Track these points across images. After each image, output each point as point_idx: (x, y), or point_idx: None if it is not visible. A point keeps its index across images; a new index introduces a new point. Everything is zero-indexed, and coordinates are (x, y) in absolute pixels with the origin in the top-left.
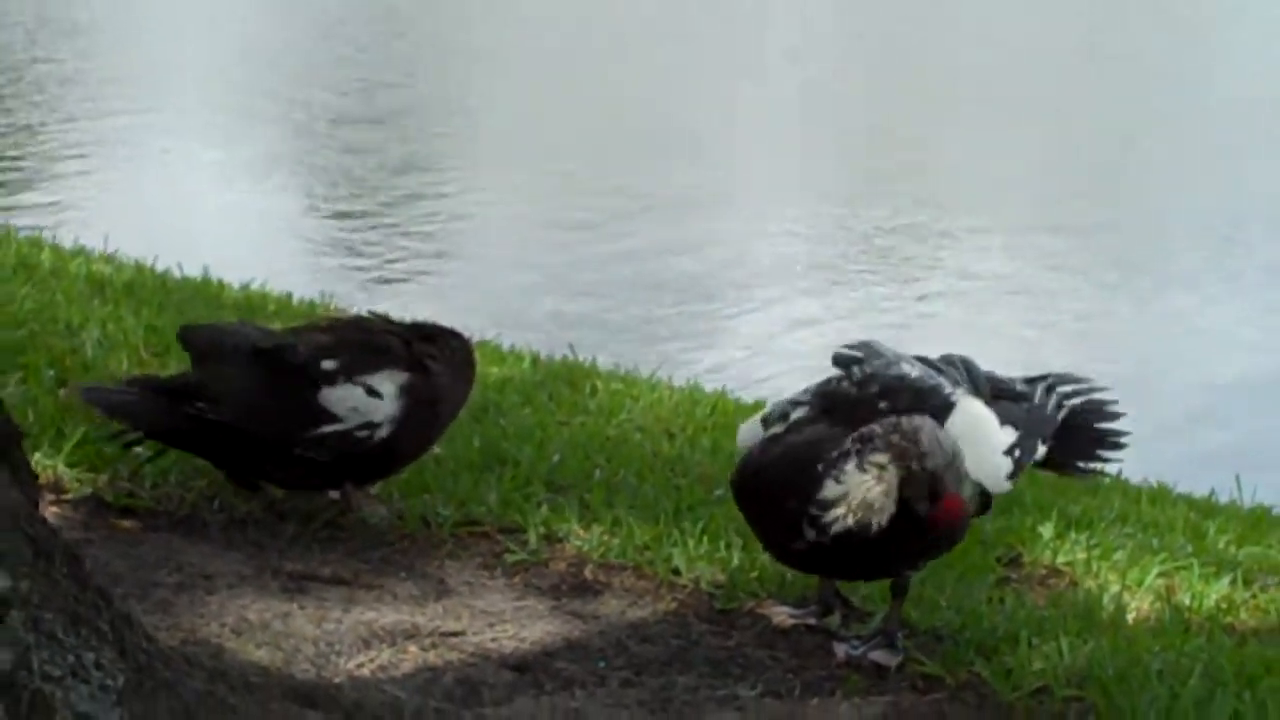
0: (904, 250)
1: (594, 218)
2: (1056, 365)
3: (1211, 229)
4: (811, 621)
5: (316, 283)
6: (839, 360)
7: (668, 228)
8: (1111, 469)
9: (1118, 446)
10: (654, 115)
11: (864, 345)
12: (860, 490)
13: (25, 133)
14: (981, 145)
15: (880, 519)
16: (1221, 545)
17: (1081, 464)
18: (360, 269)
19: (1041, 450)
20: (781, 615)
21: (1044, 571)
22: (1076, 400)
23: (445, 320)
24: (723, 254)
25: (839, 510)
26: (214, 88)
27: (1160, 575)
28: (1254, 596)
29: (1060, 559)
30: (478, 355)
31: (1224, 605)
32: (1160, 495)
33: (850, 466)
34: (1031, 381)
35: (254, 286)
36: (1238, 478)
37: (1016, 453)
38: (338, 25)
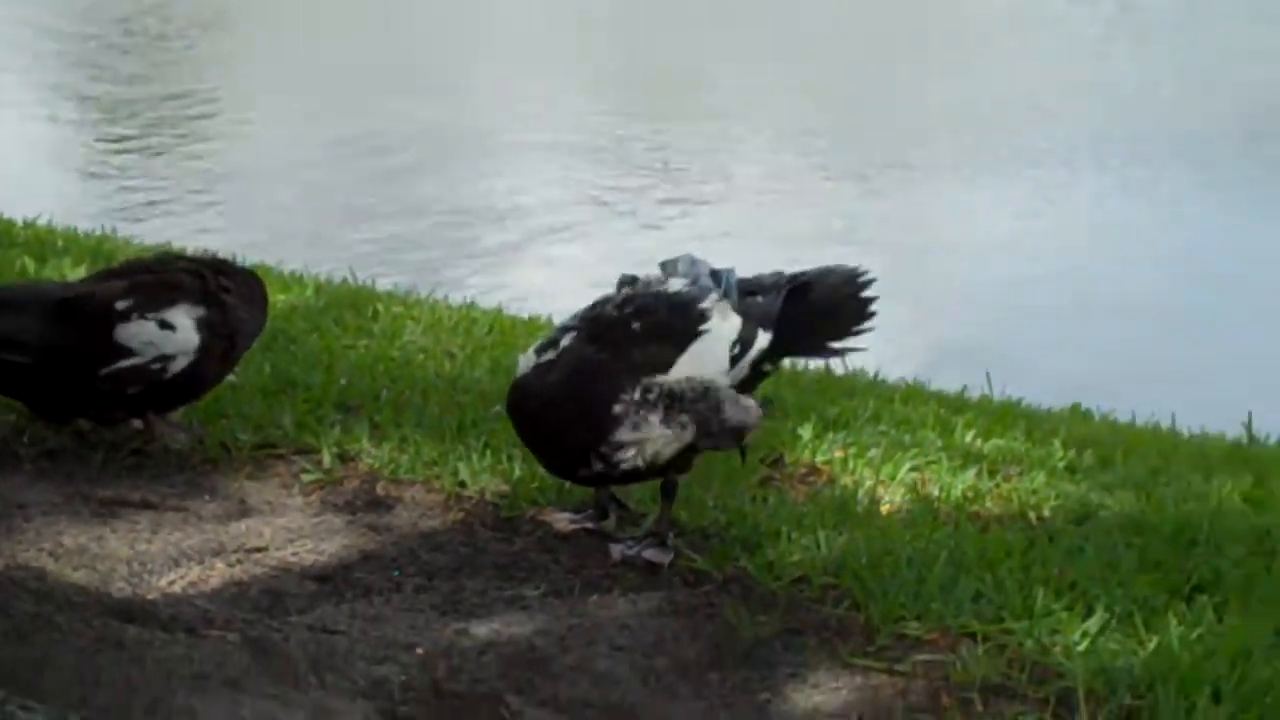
0: (669, 157)
1: (363, 139)
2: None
3: (961, 124)
4: (589, 525)
5: (96, 213)
6: (621, 281)
7: (438, 148)
8: (868, 366)
9: (867, 316)
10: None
11: (680, 260)
12: (659, 443)
13: None
14: (746, 67)
15: (668, 458)
16: (969, 439)
17: (834, 343)
18: (137, 194)
19: (764, 336)
20: (561, 521)
21: (804, 470)
22: (816, 277)
23: (224, 243)
24: (494, 174)
25: (630, 452)
26: None
27: (912, 470)
28: (998, 486)
29: (819, 458)
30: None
31: (970, 495)
32: (913, 394)
33: (655, 419)
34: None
35: (40, 222)
36: (988, 374)
37: (737, 348)
38: None
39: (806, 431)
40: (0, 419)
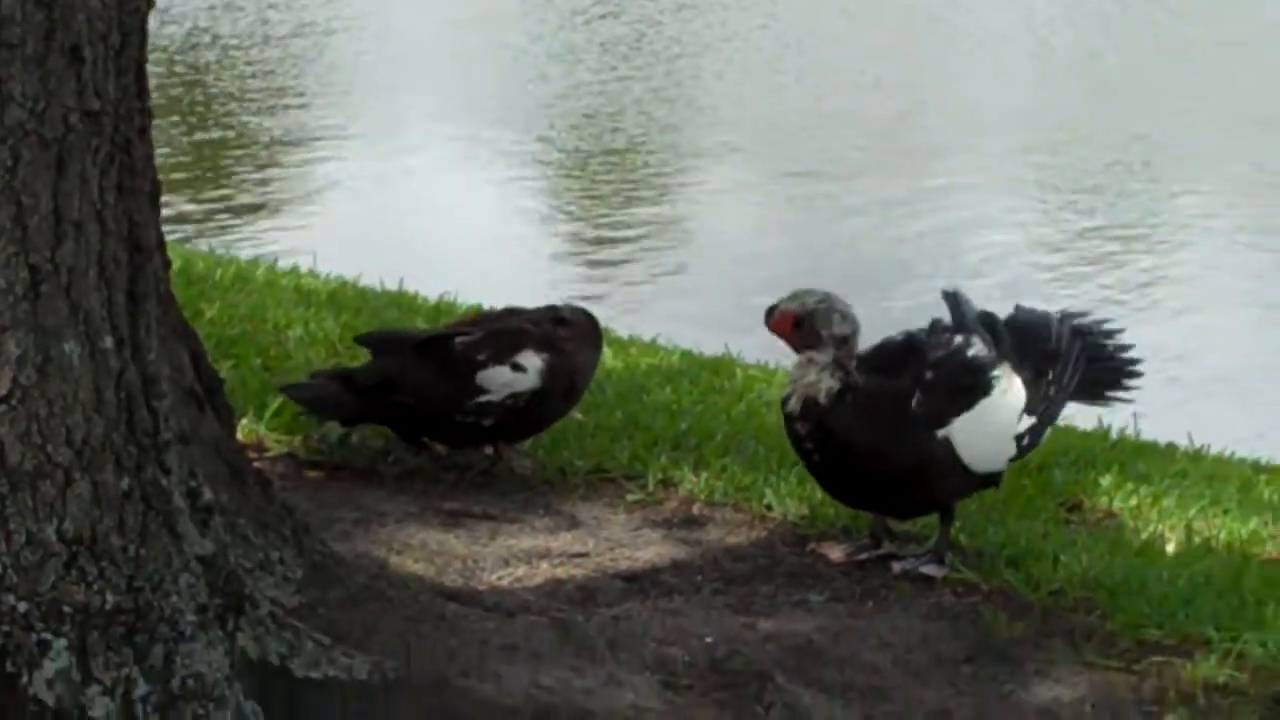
0: None
1: None
2: None
3: None
4: (861, 557)
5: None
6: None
7: None
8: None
9: (1136, 375)
10: None
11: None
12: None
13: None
14: None
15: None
16: (1268, 495)
17: (1108, 393)
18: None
19: (1047, 433)
20: (836, 553)
21: (1101, 514)
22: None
23: None
24: None
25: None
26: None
27: (1198, 514)
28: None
29: (1116, 504)
30: (634, 350)
31: (1249, 538)
32: (1223, 459)
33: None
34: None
35: (447, 297)
36: None
37: (1025, 440)
38: None
39: (1107, 480)
40: (368, 444)
